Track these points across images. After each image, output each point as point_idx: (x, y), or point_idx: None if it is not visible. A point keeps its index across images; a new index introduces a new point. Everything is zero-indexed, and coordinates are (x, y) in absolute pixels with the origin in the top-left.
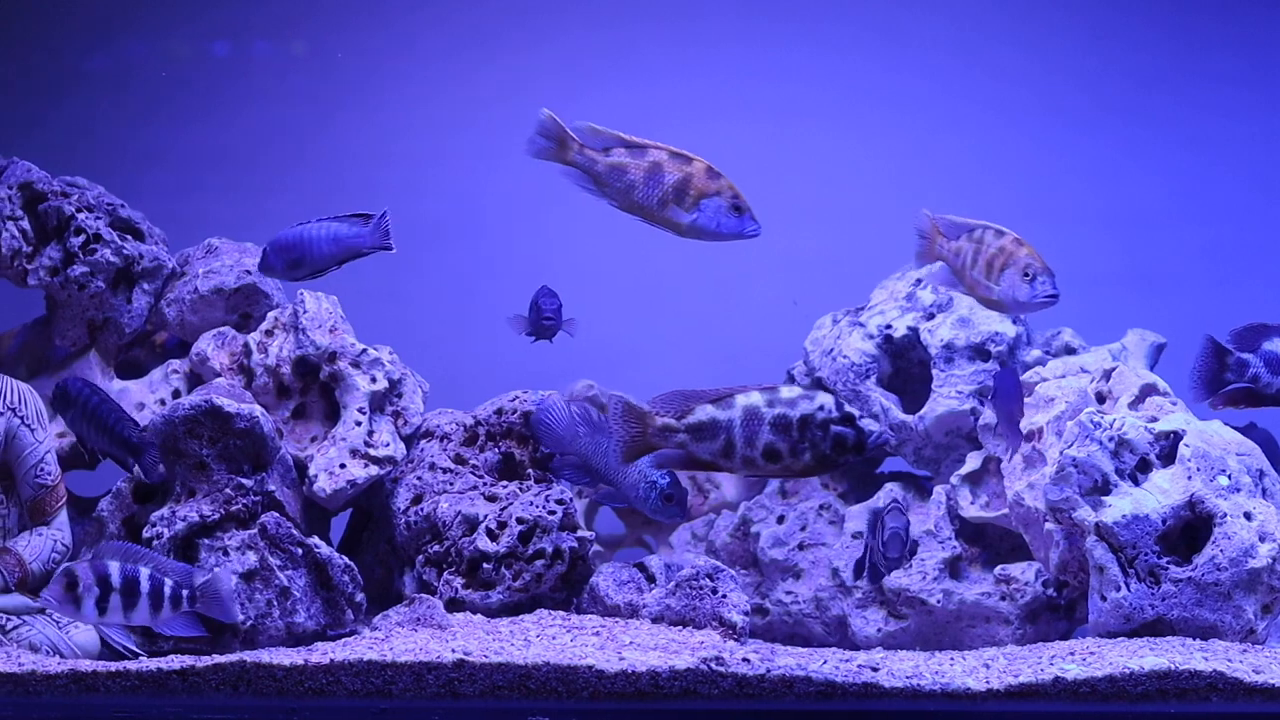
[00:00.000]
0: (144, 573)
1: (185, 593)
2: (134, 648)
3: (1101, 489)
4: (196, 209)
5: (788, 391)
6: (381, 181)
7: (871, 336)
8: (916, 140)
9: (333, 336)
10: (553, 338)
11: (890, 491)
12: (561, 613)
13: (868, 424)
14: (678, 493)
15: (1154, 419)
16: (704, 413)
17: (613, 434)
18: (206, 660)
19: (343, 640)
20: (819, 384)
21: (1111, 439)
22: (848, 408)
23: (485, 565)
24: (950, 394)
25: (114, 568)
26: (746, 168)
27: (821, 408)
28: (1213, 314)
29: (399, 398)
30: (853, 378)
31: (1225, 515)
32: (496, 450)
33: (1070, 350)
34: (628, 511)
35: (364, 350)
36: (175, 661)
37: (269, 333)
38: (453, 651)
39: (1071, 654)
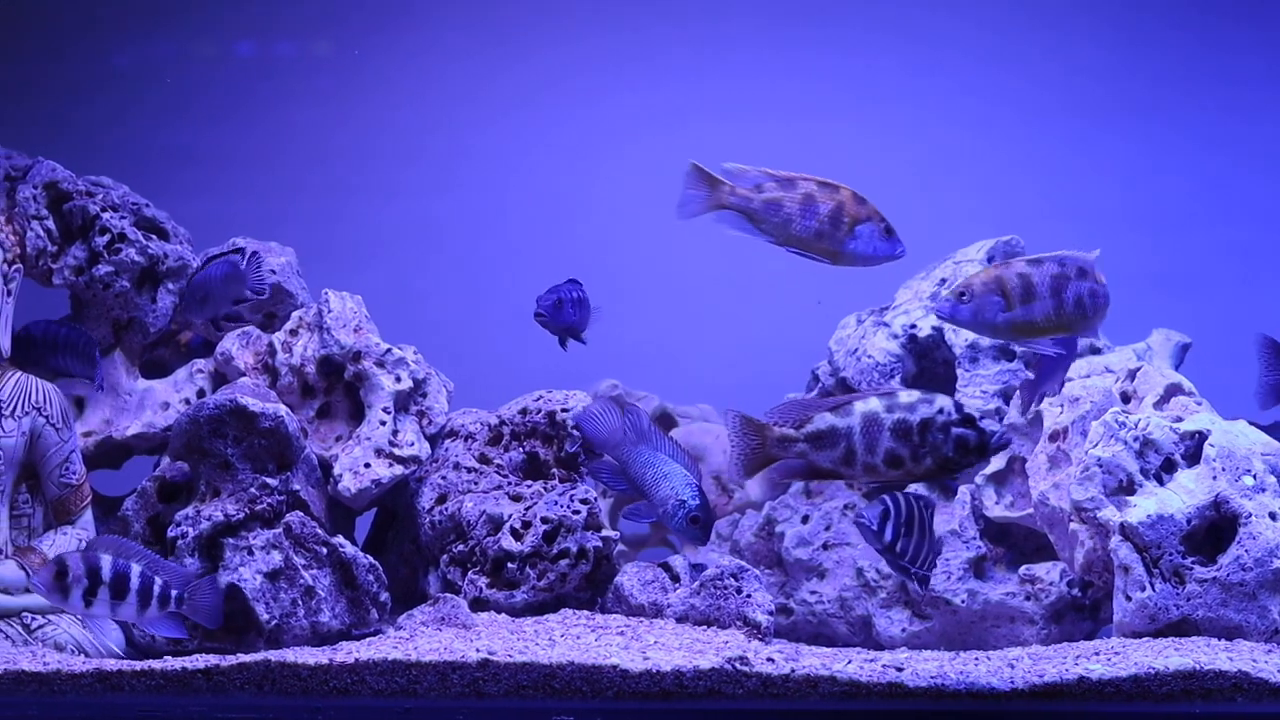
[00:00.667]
0: (135, 569)
1: (174, 594)
2: (116, 649)
3: (1126, 489)
4: (221, 208)
5: (906, 396)
6: (405, 181)
7: (896, 336)
8: (940, 140)
9: (357, 336)
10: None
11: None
12: (586, 612)
13: (988, 424)
14: (705, 516)
15: (1179, 419)
16: (823, 421)
17: (731, 448)
18: (231, 660)
19: (367, 640)
20: (843, 384)
21: (1136, 439)
22: (967, 409)
23: (510, 565)
24: (974, 394)
25: (105, 561)
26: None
27: (941, 411)
28: (1238, 314)
29: (423, 397)
30: (877, 377)
31: (1250, 515)
32: (521, 450)
33: (1095, 350)
34: None
35: (388, 350)
36: (200, 661)
37: (294, 332)
38: (477, 651)
39: (1096, 654)
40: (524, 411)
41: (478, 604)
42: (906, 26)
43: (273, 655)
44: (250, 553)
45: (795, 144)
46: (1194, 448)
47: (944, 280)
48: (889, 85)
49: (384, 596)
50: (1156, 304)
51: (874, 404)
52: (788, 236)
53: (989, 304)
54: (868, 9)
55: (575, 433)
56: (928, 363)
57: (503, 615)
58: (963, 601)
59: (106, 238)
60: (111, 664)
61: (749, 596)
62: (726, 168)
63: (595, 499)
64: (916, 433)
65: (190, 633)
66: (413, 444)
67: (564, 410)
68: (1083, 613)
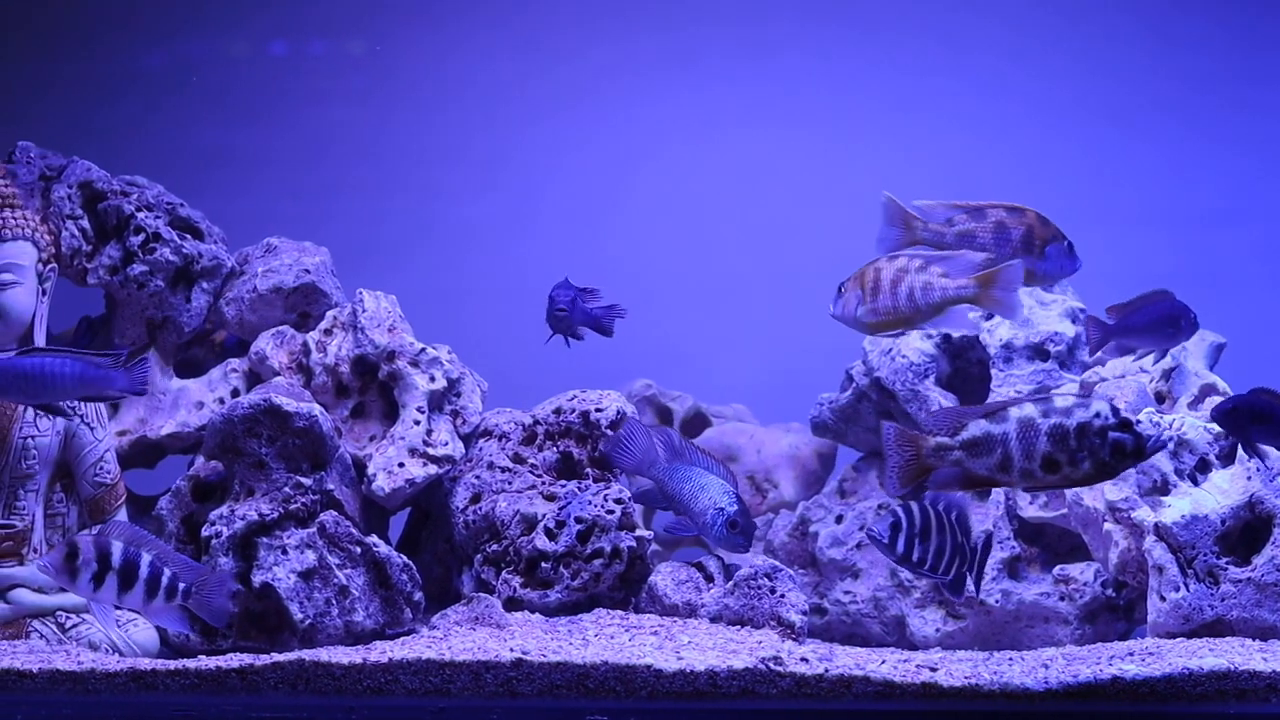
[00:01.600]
0: (145, 558)
1: (181, 586)
2: (115, 640)
3: (1160, 489)
4: (255, 208)
5: (1061, 400)
6: (440, 181)
7: (930, 336)
8: (970, 143)
9: (391, 335)
10: (569, 332)
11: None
12: (619, 612)
13: (1145, 428)
14: (745, 522)
15: None
16: (978, 428)
17: (887, 460)
18: (265, 659)
19: (401, 639)
20: (877, 384)
21: (1171, 439)
22: (1124, 413)
23: (543, 564)
24: (1009, 394)
25: (116, 547)
26: (803, 171)
27: (1098, 414)
28: (1271, 314)
29: (457, 397)
30: (911, 377)
31: None
32: (555, 449)
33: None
34: None
35: (423, 349)
36: (234, 660)
37: (328, 332)
38: (511, 650)
39: (1130, 654)
40: (558, 411)
41: (512, 603)
42: (934, 30)
43: (307, 654)
44: (284, 552)
45: (828, 147)
46: (1228, 448)
47: None
48: (921, 88)
49: (418, 596)
50: (1190, 304)
51: (1029, 409)
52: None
53: (851, 298)
54: (898, 13)
55: (610, 433)
56: (962, 362)
57: (536, 615)
58: (997, 602)
59: (141, 237)
60: (146, 663)
61: (783, 596)
62: (918, 205)
63: (629, 499)
64: (1073, 437)
65: (224, 631)
66: (447, 443)
67: (598, 410)
68: (1117, 613)
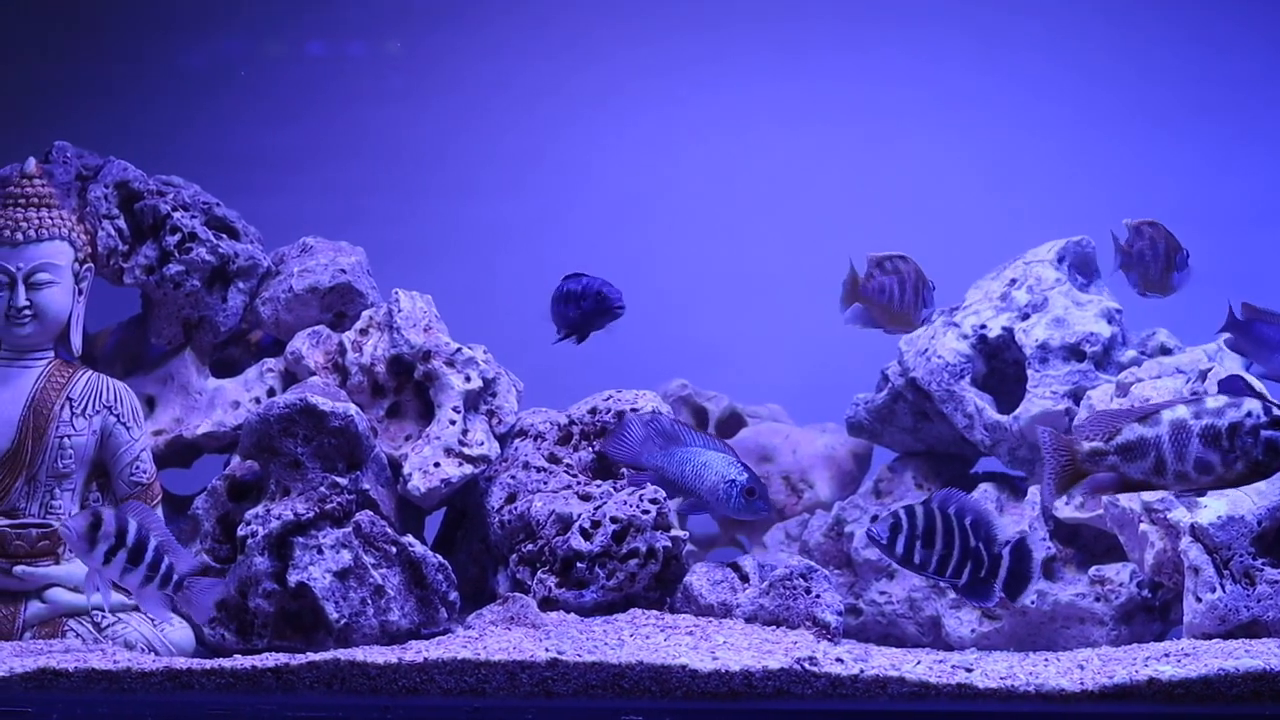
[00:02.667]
0: (152, 542)
1: (176, 577)
2: (106, 606)
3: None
4: (291, 208)
5: (1213, 401)
6: (477, 181)
7: (966, 336)
8: (1010, 142)
9: (427, 335)
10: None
11: (985, 492)
12: (655, 612)
13: None
14: (759, 487)
15: None
16: (1132, 432)
17: (1044, 465)
18: (300, 658)
19: (436, 639)
20: (913, 384)
21: None
22: (1276, 411)
23: (579, 564)
24: (1045, 394)
25: (132, 526)
26: (841, 170)
27: (1250, 414)
28: None
29: (493, 396)
30: (947, 378)
31: None
32: (590, 449)
33: (1166, 350)
34: None
35: (458, 349)
36: (270, 660)
37: (364, 331)
38: (546, 650)
39: (1166, 655)
40: (593, 411)
41: (547, 603)
42: (976, 28)
43: (342, 654)
44: (320, 551)
45: (866, 146)
46: None
47: (1014, 280)
48: (959, 86)
49: (453, 595)
50: (1226, 305)
51: (1181, 411)
52: (1148, 283)
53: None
54: (938, 10)
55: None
56: (998, 363)
57: (572, 615)
58: (1032, 602)
59: (177, 237)
60: (182, 662)
61: (818, 597)
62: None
63: (665, 499)
64: (1226, 437)
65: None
66: (482, 443)
67: (633, 410)
68: (1152, 614)
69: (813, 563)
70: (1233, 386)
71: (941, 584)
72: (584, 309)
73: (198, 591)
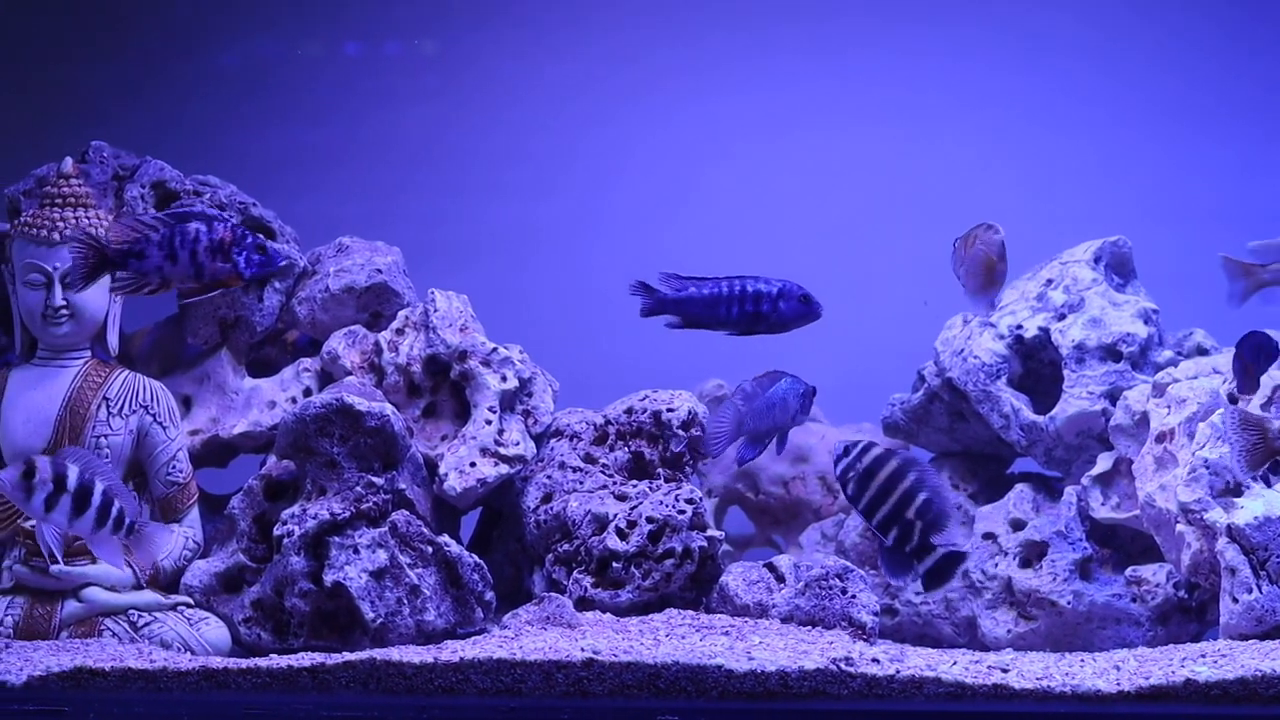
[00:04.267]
0: (98, 486)
1: (128, 521)
2: (58, 556)
3: (1233, 490)
4: (327, 208)
5: None
6: (510, 181)
7: (1002, 337)
8: (1046, 143)
9: (463, 335)
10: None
11: (1021, 493)
12: (691, 612)
13: None
14: (809, 385)
15: None
16: None
17: (1231, 445)
18: (337, 658)
19: (472, 639)
20: (949, 384)
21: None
22: None
23: (615, 564)
24: (1081, 395)
25: (73, 471)
26: (875, 171)
27: None
28: None
29: (529, 396)
30: (983, 378)
31: None
32: (626, 449)
33: (1202, 351)
34: (757, 511)
35: (494, 349)
36: (305, 659)
37: (400, 331)
38: (582, 650)
39: (1203, 656)
40: (629, 411)
41: (583, 603)
42: (1013, 28)
43: (378, 654)
44: (356, 551)
45: (903, 146)
46: None
47: (1050, 281)
48: (995, 87)
49: (489, 595)
50: (1262, 306)
51: None
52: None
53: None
54: (977, 10)
55: (681, 433)
56: (1034, 363)
57: (608, 615)
58: (1069, 603)
59: None
60: (218, 661)
61: (854, 597)
62: (1251, 247)
63: (700, 499)
64: None
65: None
66: (518, 443)
67: (669, 410)
68: (1189, 615)
69: (848, 563)
70: (1257, 342)
71: (870, 529)
72: (782, 311)
73: (146, 538)
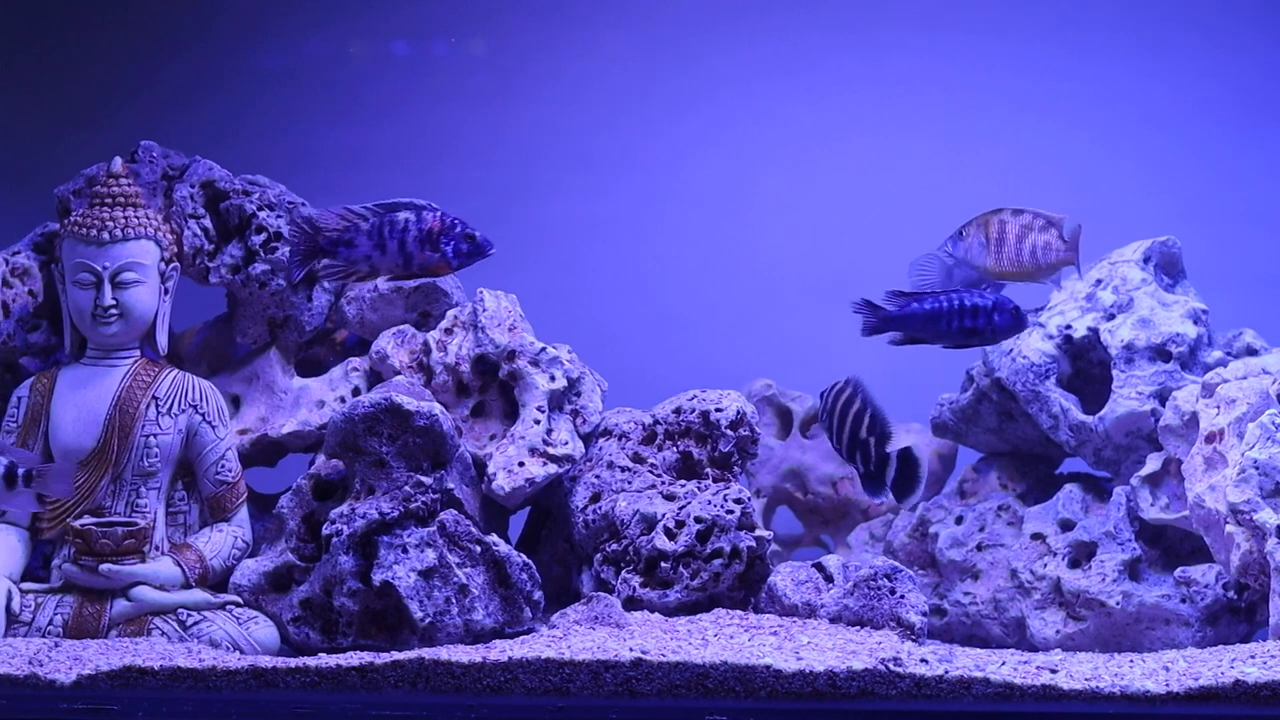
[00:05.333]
0: None
1: (21, 471)
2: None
3: None
4: None
5: None
6: (562, 183)
7: (1051, 337)
8: (1095, 144)
9: (512, 335)
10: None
11: (1070, 493)
12: (739, 612)
13: None
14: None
15: None
16: None
17: None
18: (385, 657)
19: (520, 638)
20: (998, 384)
21: None
22: None
23: (663, 564)
24: (1130, 395)
25: None
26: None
27: None
28: None
29: (577, 396)
30: (1032, 378)
31: None
32: (675, 449)
33: (1252, 351)
34: (805, 511)
35: (543, 349)
36: (354, 658)
37: (448, 331)
38: (630, 650)
39: (1252, 657)
40: (678, 411)
41: (631, 603)
42: (1059, 32)
43: (426, 653)
44: (404, 551)
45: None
46: None
47: (1099, 281)
48: (1043, 90)
49: (537, 595)
50: None
51: None
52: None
53: (974, 243)
54: (1019, 16)
55: (729, 433)
56: (1083, 363)
57: (656, 615)
58: (1117, 603)
59: (263, 236)
60: (267, 661)
61: (902, 597)
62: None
63: (749, 499)
64: None
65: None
66: (567, 443)
67: (718, 410)
68: (1238, 615)
69: (897, 563)
70: None
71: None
72: (997, 324)
73: (50, 478)
